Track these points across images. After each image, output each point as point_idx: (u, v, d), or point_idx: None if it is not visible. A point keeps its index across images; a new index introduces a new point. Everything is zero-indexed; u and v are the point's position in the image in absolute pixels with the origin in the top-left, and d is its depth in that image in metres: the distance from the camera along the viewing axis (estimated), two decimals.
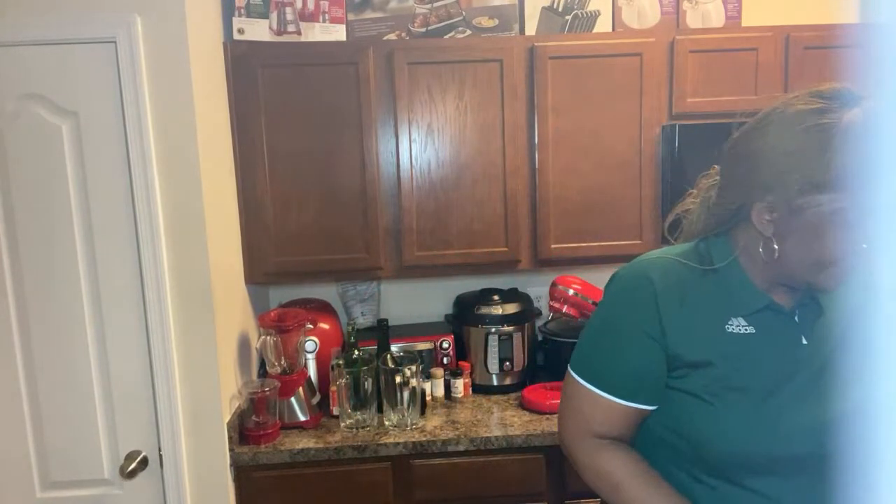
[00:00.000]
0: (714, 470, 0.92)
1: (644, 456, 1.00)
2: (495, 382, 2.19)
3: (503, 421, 1.95)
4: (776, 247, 0.88)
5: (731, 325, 0.92)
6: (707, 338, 0.92)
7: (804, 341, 0.92)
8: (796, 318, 0.93)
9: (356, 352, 1.97)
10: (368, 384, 1.94)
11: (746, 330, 0.92)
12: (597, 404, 0.98)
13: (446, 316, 2.39)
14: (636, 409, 0.97)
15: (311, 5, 2.01)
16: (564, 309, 2.09)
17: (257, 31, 1.99)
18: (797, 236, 0.85)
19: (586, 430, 0.99)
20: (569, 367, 1.03)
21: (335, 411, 2.01)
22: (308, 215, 2.00)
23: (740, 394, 0.90)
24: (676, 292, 0.94)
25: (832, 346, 0.92)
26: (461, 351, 2.24)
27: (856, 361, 0.91)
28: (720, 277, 0.94)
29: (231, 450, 1.79)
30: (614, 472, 0.97)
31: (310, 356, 2.07)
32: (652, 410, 0.98)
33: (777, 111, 0.87)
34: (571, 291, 2.08)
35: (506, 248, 2.06)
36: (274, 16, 2.00)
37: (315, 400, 2.01)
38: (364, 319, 2.33)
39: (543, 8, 2.12)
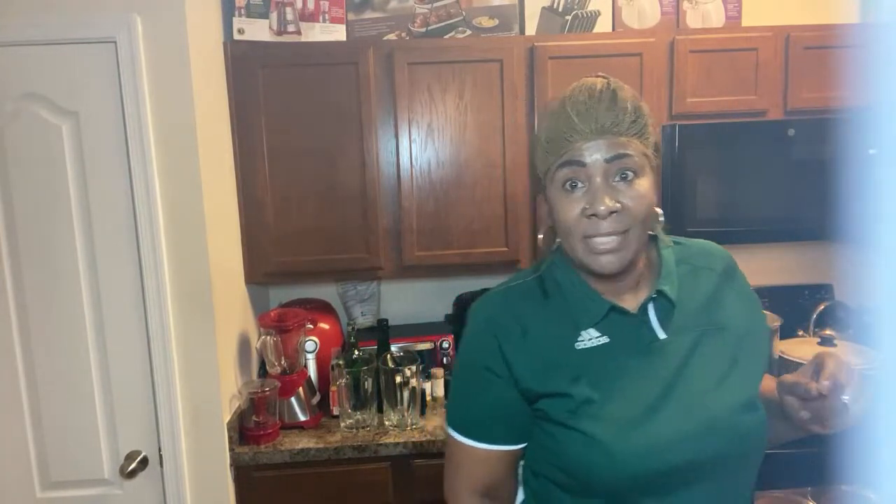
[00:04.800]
0: (607, 498, 0.87)
1: (535, 500, 0.97)
2: None
3: None
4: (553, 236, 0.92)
5: (582, 340, 0.90)
6: (557, 364, 0.89)
7: (662, 335, 0.90)
8: (651, 315, 0.90)
9: (356, 352, 1.97)
10: (368, 384, 1.94)
11: (600, 341, 0.89)
12: (465, 453, 0.96)
13: (446, 316, 2.38)
14: (503, 451, 0.94)
15: (311, 5, 2.01)
16: None
17: (257, 31, 1.99)
18: (553, 217, 0.90)
19: (461, 483, 0.97)
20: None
21: (335, 411, 2.01)
22: (308, 215, 2.00)
23: (608, 413, 0.86)
24: (516, 324, 0.92)
25: (693, 339, 0.90)
26: None
27: (724, 354, 0.90)
28: (564, 294, 0.93)
29: (231, 450, 1.79)
30: None
31: (310, 356, 2.07)
32: (523, 449, 0.96)
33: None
34: None
35: (506, 248, 2.06)
36: (274, 16, 2.00)
37: (315, 400, 2.01)
38: (364, 319, 2.33)
39: (543, 8, 2.12)
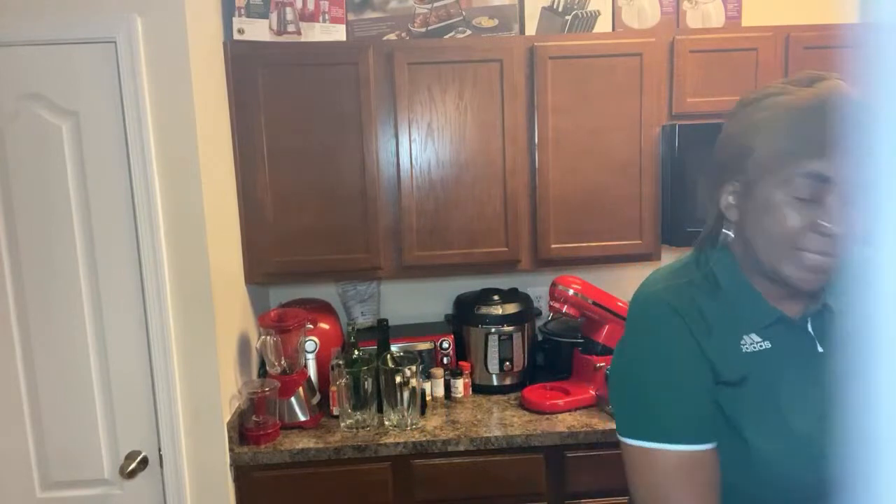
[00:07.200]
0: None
1: None
2: (495, 382, 2.19)
3: (503, 421, 1.95)
4: (733, 234, 0.88)
5: (745, 343, 0.88)
6: (733, 357, 0.87)
7: (820, 349, 0.88)
8: (809, 327, 0.89)
9: (356, 352, 1.97)
10: (368, 384, 1.94)
11: (761, 346, 0.87)
12: (670, 462, 0.84)
13: (446, 316, 2.39)
14: (710, 451, 0.85)
15: (311, 5, 2.01)
16: (564, 309, 2.09)
17: (257, 31, 1.99)
18: (754, 215, 0.84)
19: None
20: (622, 439, 0.90)
21: (335, 411, 2.01)
22: (308, 215, 2.00)
23: (778, 422, 0.85)
24: (702, 320, 0.88)
25: (851, 353, 0.88)
26: (461, 351, 2.24)
27: (859, 368, 0.89)
28: (727, 293, 0.89)
29: (231, 450, 1.79)
30: None
31: (310, 356, 2.07)
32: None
33: (746, 97, 0.87)
34: (571, 291, 2.08)
35: (506, 248, 2.06)
36: (274, 16, 2.00)
37: (315, 400, 2.01)
38: (364, 319, 2.33)
39: (543, 8, 2.12)
